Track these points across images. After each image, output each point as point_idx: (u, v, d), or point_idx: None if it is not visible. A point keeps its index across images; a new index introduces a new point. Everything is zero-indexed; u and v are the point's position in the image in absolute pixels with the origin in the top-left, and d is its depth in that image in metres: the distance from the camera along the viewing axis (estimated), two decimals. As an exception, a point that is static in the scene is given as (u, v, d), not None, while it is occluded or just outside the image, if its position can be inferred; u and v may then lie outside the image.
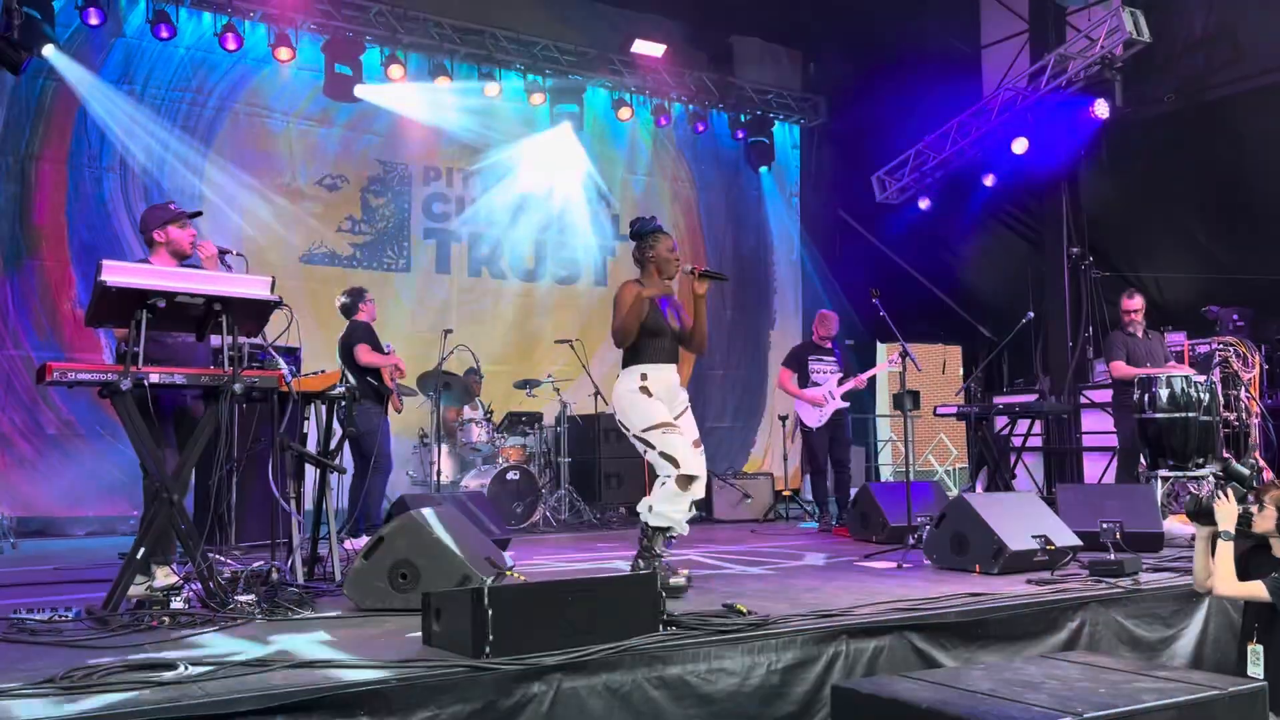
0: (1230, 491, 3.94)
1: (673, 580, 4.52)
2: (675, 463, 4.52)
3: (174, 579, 3.95)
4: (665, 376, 4.74)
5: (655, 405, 4.64)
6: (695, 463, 4.58)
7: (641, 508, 4.68)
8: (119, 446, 7.91)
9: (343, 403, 4.99)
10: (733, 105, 12.33)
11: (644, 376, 4.68)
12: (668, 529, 4.64)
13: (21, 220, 8.79)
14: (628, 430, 4.66)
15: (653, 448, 4.56)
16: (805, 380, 8.20)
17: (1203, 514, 3.92)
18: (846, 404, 8.20)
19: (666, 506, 4.59)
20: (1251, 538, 3.91)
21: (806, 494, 10.13)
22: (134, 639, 3.38)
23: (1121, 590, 4.28)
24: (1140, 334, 7.32)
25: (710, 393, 12.06)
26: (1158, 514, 5.91)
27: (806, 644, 3.42)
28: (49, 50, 8.61)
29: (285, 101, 9.96)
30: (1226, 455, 7.24)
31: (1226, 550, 3.83)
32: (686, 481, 4.55)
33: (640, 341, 4.74)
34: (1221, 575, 3.83)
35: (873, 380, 10.60)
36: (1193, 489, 6.52)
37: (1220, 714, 2.73)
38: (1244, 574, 3.84)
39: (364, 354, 6.82)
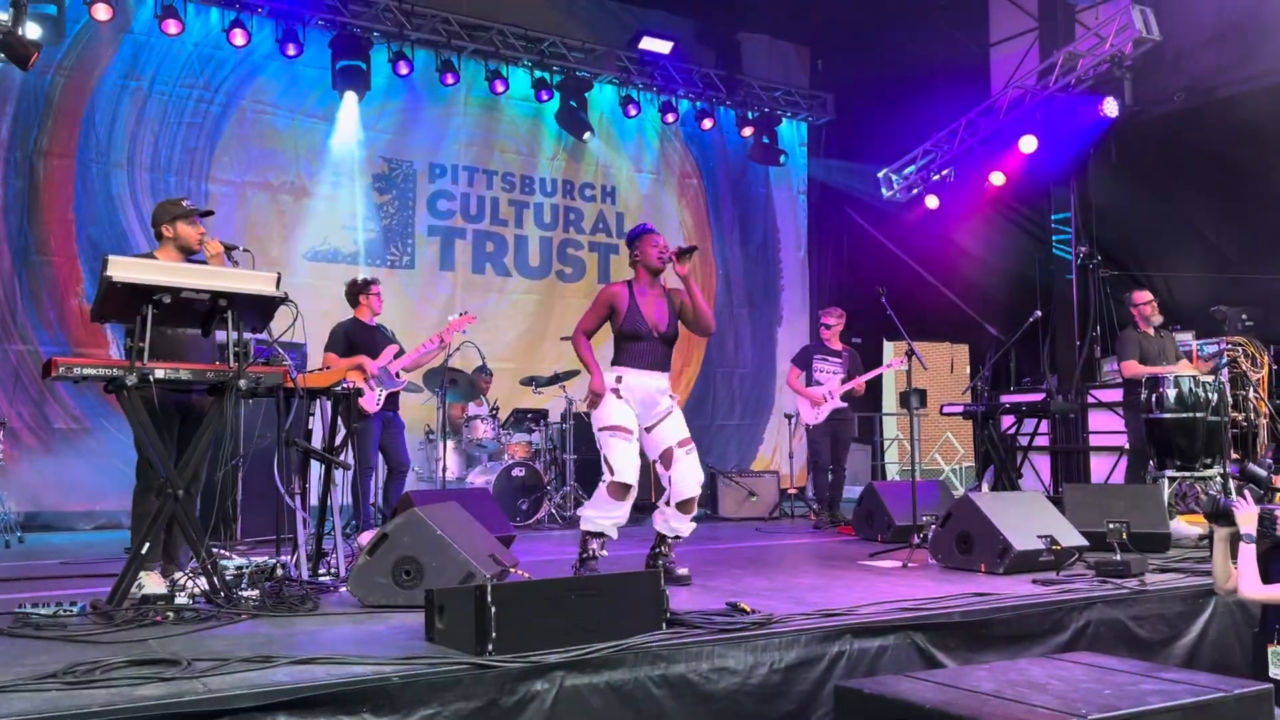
0: (1249, 493, 3.88)
1: (679, 571, 4.69)
2: (611, 470, 4.63)
3: (163, 589, 3.92)
4: (643, 382, 4.80)
5: (620, 408, 4.72)
6: (631, 473, 4.63)
7: (581, 512, 4.82)
8: (126, 441, 7.89)
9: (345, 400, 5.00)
10: (740, 102, 12.30)
11: (619, 379, 4.78)
12: (600, 533, 4.78)
13: (29, 215, 8.80)
14: (593, 425, 4.79)
15: (600, 448, 4.71)
16: (810, 379, 8.28)
17: (1220, 515, 3.84)
18: (844, 404, 8.24)
19: (595, 511, 4.74)
20: (1272, 539, 3.84)
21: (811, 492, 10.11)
22: (138, 634, 3.38)
23: (1127, 591, 4.26)
24: (1153, 331, 7.27)
25: (717, 390, 12.09)
26: (1165, 514, 5.88)
27: (810, 643, 3.41)
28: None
29: (292, 98, 9.96)
30: (1236, 455, 7.20)
31: (1250, 553, 3.74)
32: (620, 490, 4.64)
33: (619, 344, 4.85)
34: (1248, 579, 3.73)
35: (879, 378, 10.58)
36: (1200, 489, 6.49)
37: (1226, 716, 2.71)
38: (1265, 576, 3.78)
39: (327, 361, 6.64)
